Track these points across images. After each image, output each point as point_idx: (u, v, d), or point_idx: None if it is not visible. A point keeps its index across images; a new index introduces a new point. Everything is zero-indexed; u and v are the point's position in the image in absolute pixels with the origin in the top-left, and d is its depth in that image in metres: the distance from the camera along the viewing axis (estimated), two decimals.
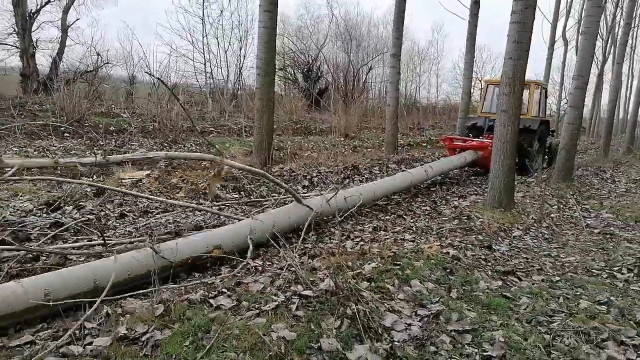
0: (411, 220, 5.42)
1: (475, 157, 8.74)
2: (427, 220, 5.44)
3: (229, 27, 23.36)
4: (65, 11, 17.53)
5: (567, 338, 2.66)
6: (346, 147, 12.87)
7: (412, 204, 6.46)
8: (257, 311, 2.61)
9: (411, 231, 4.86)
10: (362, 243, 4.35)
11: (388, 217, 5.60)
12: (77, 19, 18.21)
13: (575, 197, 7.47)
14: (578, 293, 3.46)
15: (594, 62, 26.51)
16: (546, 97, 10.10)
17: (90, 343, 2.18)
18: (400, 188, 6.27)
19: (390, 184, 6.08)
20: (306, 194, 5.65)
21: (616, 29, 21.24)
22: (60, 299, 2.60)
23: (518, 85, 5.42)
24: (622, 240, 5.19)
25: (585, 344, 2.61)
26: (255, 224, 3.96)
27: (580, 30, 8.45)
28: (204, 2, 21.09)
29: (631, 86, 26.61)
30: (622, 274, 3.97)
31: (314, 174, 7.40)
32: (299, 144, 11.98)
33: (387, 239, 4.52)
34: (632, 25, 16.37)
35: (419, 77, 34.93)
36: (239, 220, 4.18)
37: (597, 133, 27.68)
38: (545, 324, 2.87)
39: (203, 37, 21.54)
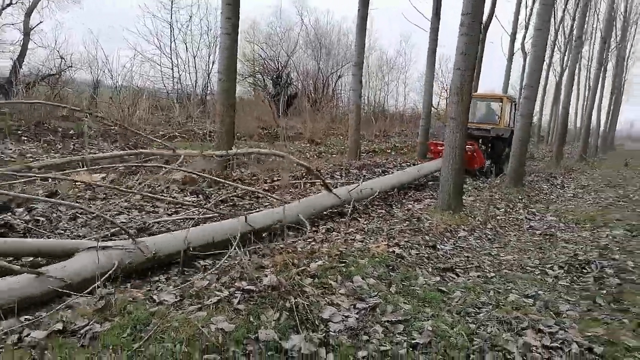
0: (365, 222, 5.61)
1: None
2: (380, 222, 5.65)
3: (198, 32, 23.36)
4: (28, 14, 17.06)
5: (491, 327, 2.88)
6: (311, 152, 13.05)
7: (369, 207, 6.66)
8: (199, 305, 2.72)
9: (362, 232, 5.04)
10: (313, 243, 4.49)
11: (343, 220, 5.77)
12: (40, 22, 17.76)
13: (523, 201, 7.87)
14: (509, 288, 3.71)
15: (552, 73, 27.95)
16: (516, 109, 11.43)
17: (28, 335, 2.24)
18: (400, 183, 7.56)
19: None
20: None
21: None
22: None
23: (466, 95, 5.72)
24: (560, 240, 5.54)
25: (506, 332, 2.83)
26: (299, 207, 5.19)
27: (530, 43, 8.88)
28: (172, 7, 21.02)
29: (586, 97, 27.93)
30: (554, 270, 4.27)
31: (275, 179, 7.53)
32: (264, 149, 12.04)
33: (338, 239, 4.70)
34: (583, 39, 17.29)
35: (387, 86, 35.58)
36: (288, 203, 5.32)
37: (554, 141, 28.88)
38: (473, 314, 3.09)
39: (171, 42, 21.43)
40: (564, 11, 24.22)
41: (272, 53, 28.71)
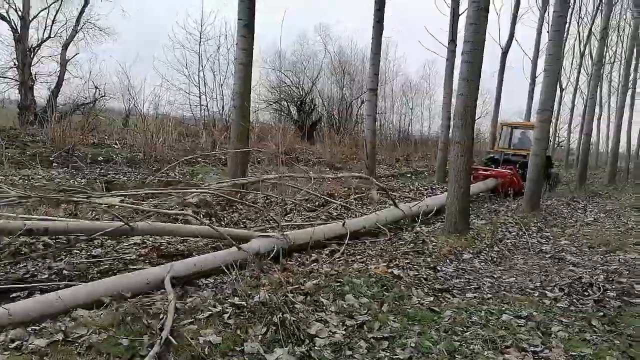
0: (370, 244, 5.71)
1: (496, 182, 11.10)
2: (387, 244, 5.73)
3: (224, 62, 24.28)
4: (65, 47, 18.29)
5: (474, 345, 2.94)
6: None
7: (379, 230, 6.74)
8: (192, 319, 2.90)
9: (366, 254, 5.15)
10: (314, 264, 4.63)
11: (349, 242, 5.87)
12: (76, 54, 18.96)
13: (538, 224, 7.78)
14: (503, 308, 3.73)
15: (580, 96, 27.49)
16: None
17: None
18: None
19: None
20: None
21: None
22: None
23: (469, 119, 5.83)
24: (569, 264, 5.47)
25: (489, 350, 2.89)
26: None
27: (543, 68, 8.93)
28: (200, 38, 22.00)
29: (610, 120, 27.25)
30: (553, 292, 4.24)
31: (289, 202, 7.73)
32: (283, 173, 12.34)
33: (340, 260, 4.82)
34: (604, 62, 17.08)
35: (412, 111, 35.71)
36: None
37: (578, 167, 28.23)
38: (460, 332, 3.14)
39: (199, 71, 22.34)
40: (589, 33, 23.95)
41: (296, 80, 29.45)
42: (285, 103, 29.74)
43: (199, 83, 22.06)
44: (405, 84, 35.21)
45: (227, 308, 3.04)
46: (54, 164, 9.02)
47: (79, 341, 2.53)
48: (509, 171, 11.12)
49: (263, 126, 24.16)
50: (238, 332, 2.79)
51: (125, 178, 8.45)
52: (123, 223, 4.06)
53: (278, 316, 2.89)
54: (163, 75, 19.19)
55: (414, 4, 47.48)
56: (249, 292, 3.26)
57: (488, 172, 11.29)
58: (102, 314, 2.89)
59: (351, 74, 31.35)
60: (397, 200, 7.22)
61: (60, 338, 2.55)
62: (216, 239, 4.92)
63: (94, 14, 19.58)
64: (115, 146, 12.64)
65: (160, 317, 2.87)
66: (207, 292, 3.45)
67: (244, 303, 3.08)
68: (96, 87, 17.51)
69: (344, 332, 3.02)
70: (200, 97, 22.25)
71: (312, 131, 25.89)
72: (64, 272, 4.03)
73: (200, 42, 21.98)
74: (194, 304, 3.13)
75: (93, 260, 4.41)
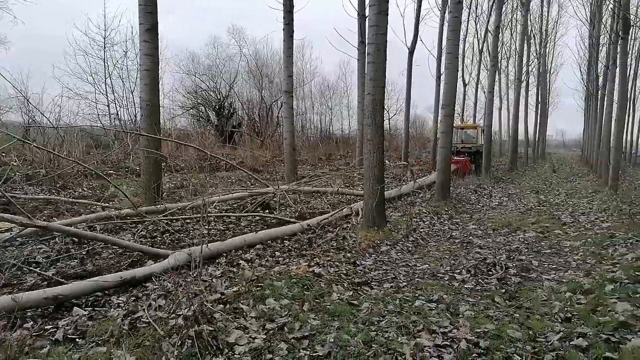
0: (293, 244, 5.75)
1: (456, 167, 14.68)
2: (308, 245, 5.81)
3: (134, 68, 23.08)
4: None
5: (389, 332, 3.07)
6: (252, 181, 13.11)
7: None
8: (100, 341, 2.74)
9: (286, 254, 5.17)
10: (233, 269, 4.57)
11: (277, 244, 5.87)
12: None
13: (449, 212, 8.31)
14: (417, 295, 3.95)
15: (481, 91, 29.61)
16: (483, 133, 17.61)
17: None
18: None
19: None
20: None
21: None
22: None
23: (378, 117, 6.08)
24: (475, 247, 5.92)
25: (402, 335, 3.04)
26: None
27: (444, 66, 9.54)
28: (105, 45, 20.73)
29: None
30: (461, 275, 4.57)
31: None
32: (203, 180, 12.03)
33: (262, 264, 4.80)
34: (500, 58, 18.63)
35: (331, 111, 36.47)
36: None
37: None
38: (377, 322, 3.27)
39: (106, 79, 21.05)
40: (485, 31, 25.93)
41: (213, 84, 28.80)
42: (203, 108, 28.97)
43: (106, 91, 20.87)
44: (323, 84, 35.96)
45: (140, 324, 2.91)
46: None
47: None
48: (463, 158, 16.02)
49: (181, 132, 23.38)
50: (153, 349, 2.68)
51: (26, 196, 7.73)
52: None
53: (194, 329, 2.82)
54: (65, 84, 17.82)
55: (324, 6, 48.51)
56: (165, 306, 3.15)
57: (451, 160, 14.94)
58: None
59: (269, 76, 31.27)
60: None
61: None
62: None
63: None
64: (14, 163, 11.51)
65: None
66: (116, 311, 3.27)
67: (162, 315, 2.97)
68: None
69: (264, 337, 3.02)
70: (108, 105, 21.04)
71: (233, 135, 25.48)
72: None
73: (104, 47, 20.80)
74: (101, 325, 2.97)
75: None
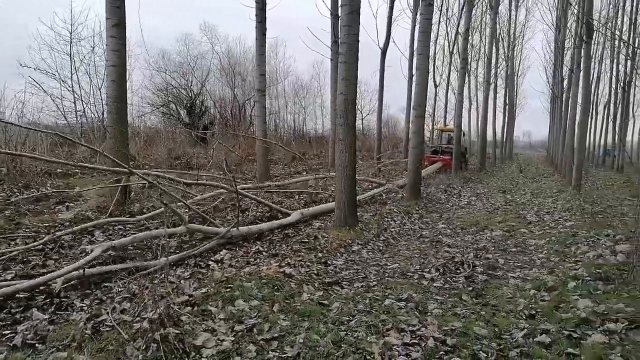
0: (266, 246, 5.70)
1: (441, 164, 17.65)
2: (279, 244, 5.77)
3: (102, 64, 22.44)
4: None
5: (359, 332, 3.08)
6: (225, 179, 12.96)
7: (274, 231, 6.76)
8: (61, 345, 2.64)
9: (257, 255, 5.13)
10: (202, 270, 4.50)
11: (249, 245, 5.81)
12: None
13: (420, 212, 8.42)
14: (386, 294, 3.97)
15: (452, 92, 30.17)
16: (464, 135, 21.31)
17: None
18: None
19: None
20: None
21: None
22: None
23: (350, 117, 6.09)
24: (444, 245, 6.01)
25: (372, 335, 3.05)
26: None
27: (415, 67, 9.66)
28: (71, 39, 20.08)
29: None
30: (430, 273, 4.63)
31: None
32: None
33: (232, 265, 4.74)
34: (468, 61, 18.98)
35: (305, 110, 36.49)
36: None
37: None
38: (346, 322, 3.28)
39: (72, 74, 20.39)
40: (455, 33, 26.44)
41: (184, 82, 28.34)
42: (174, 106, 28.47)
43: (72, 87, 20.23)
44: (296, 83, 35.95)
45: (103, 328, 2.83)
46: None
47: None
48: (447, 157, 18.01)
49: (151, 130, 22.89)
50: (116, 353, 2.60)
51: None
52: None
53: (159, 332, 2.75)
54: (29, 79, 17.16)
55: (298, 4, 48.40)
56: (130, 309, 3.07)
57: (437, 158, 18.53)
58: None
59: (242, 74, 31.03)
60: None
61: None
62: None
63: None
64: None
65: None
66: (78, 315, 3.16)
67: (126, 319, 2.89)
68: None
69: (232, 339, 2.97)
70: (75, 102, 20.41)
71: (205, 134, 25.11)
72: None
73: (71, 42, 20.16)
74: (63, 330, 2.86)
75: None
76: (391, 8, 17.51)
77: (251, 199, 7.12)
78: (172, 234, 5.40)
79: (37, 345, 2.82)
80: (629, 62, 21.30)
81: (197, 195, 7.23)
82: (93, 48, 20.55)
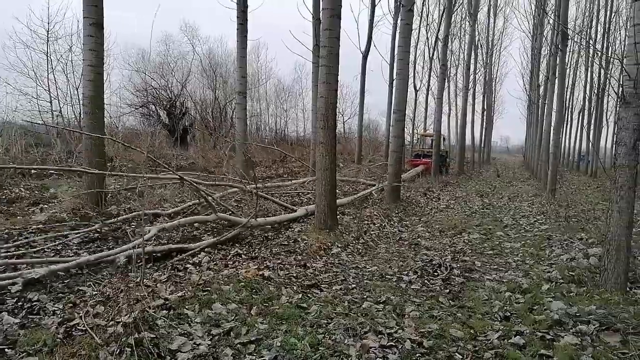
0: (245, 249, 5.65)
1: (423, 167, 18.10)
2: (259, 248, 5.73)
3: (79, 63, 21.97)
4: None
5: (337, 335, 3.09)
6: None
7: (253, 233, 6.71)
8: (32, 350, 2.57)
9: (236, 257, 5.09)
10: (180, 273, 4.43)
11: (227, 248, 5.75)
12: None
13: (399, 215, 8.49)
14: (365, 296, 4.00)
15: (431, 97, 30.54)
16: (444, 140, 21.65)
17: None
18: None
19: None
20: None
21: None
22: None
23: (331, 120, 6.11)
24: (423, 248, 6.08)
25: (349, 337, 3.06)
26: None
27: (395, 72, 9.75)
28: (48, 38, 19.62)
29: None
30: (409, 276, 4.67)
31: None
32: (152, 182, 11.63)
33: (210, 268, 4.69)
34: (447, 66, 19.28)
35: (286, 113, 36.45)
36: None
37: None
38: (325, 325, 3.28)
39: (48, 74, 19.92)
40: (435, 39, 26.80)
41: (164, 82, 27.97)
42: (153, 107, 28.06)
43: (48, 86, 19.76)
44: (278, 86, 35.87)
45: (75, 332, 2.76)
46: None
47: None
48: (430, 160, 18.09)
49: (129, 132, 22.54)
50: (89, 358, 2.55)
51: None
52: None
53: (134, 336, 2.70)
54: (4, 78, 16.71)
55: (280, 7, 48.42)
56: (104, 313, 3.00)
57: (419, 162, 19.35)
58: None
59: (223, 76, 30.79)
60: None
61: None
62: None
63: None
64: None
65: None
66: (50, 319, 3.08)
67: (100, 323, 2.83)
68: None
69: (209, 342, 2.94)
70: (51, 102, 19.94)
71: (185, 136, 24.87)
72: None
73: (47, 41, 19.70)
74: (34, 334, 2.79)
75: None
76: (372, 13, 17.67)
77: (266, 199, 7.78)
78: (206, 221, 6.30)
79: (6, 350, 2.74)
80: (602, 71, 21.92)
81: (215, 193, 7.39)
82: (70, 47, 20.11)
